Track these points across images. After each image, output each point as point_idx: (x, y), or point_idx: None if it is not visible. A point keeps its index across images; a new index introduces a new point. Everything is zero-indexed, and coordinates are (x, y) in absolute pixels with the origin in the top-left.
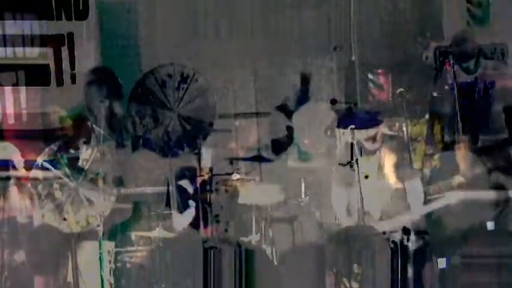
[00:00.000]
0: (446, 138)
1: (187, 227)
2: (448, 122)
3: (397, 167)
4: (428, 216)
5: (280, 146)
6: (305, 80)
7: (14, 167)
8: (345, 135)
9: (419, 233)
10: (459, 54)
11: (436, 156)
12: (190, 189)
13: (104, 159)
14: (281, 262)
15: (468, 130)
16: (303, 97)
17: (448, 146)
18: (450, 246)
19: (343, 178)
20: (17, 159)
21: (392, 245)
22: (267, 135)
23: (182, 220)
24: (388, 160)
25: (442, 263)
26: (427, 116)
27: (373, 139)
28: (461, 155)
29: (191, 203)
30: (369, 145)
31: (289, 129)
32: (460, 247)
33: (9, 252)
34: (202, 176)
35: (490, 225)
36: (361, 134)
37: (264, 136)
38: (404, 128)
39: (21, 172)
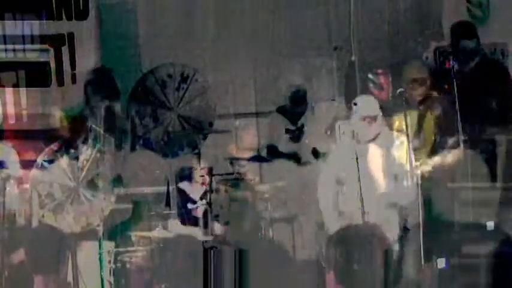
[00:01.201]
0: (439, 137)
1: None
2: (442, 119)
3: (393, 162)
4: (428, 215)
5: (276, 151)
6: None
7: (14, 167)
8: (345, 135)
9: (417, 232)
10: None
11: (423, 151)
12: (190, 191)
13: (104, 159)
14: (281, 262)
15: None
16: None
17: (439, 145)
18: (449, 245)
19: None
20: (16, 159)
21: (392, 244)
22: (267, 135)
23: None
24: (384, 156)
25: (441, 263)
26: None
27: (373, 120)
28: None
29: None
30: (364, 131)
31: (288, 131)
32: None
33: (9, 252)
34: (202, 176)
35: (490, 225)
36: (360, 113)
37: (264, 136)
38: (404, 127)
39: (21, 172)
